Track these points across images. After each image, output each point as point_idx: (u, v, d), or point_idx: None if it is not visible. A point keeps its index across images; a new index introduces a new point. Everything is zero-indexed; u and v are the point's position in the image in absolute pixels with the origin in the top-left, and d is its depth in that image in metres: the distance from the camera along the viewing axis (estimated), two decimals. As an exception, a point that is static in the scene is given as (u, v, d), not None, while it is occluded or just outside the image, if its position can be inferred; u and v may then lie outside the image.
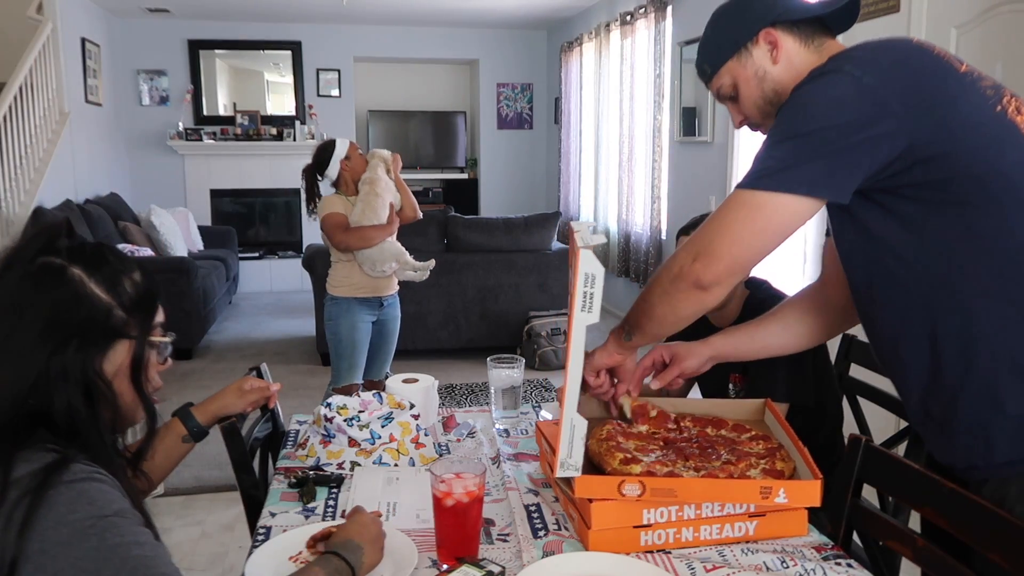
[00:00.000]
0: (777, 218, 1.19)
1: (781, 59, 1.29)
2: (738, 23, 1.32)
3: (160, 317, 1.09)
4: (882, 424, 2.12)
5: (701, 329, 1.74)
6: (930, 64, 1.16)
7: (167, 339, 1.11)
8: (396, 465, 1.62)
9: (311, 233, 7.34)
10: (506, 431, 1.82)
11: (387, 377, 3.36)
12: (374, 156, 3.31)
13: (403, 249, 3.28)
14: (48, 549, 0.83)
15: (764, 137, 1.40)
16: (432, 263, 3.41)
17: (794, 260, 3.94)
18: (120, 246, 5.58)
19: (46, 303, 0.96)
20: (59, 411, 0.94)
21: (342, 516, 1.19)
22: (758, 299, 1.89)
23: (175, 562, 0.91)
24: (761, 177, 1.19)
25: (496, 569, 1.16)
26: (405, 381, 1.88)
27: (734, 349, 1.56)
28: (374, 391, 1.79)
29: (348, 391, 3.26)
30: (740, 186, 1.22)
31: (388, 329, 3.36)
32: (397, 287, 3.41)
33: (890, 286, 1.23)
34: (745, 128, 1.42)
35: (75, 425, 0.95)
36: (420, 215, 3.44)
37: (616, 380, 1.51)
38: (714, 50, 1.34)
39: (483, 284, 5.18)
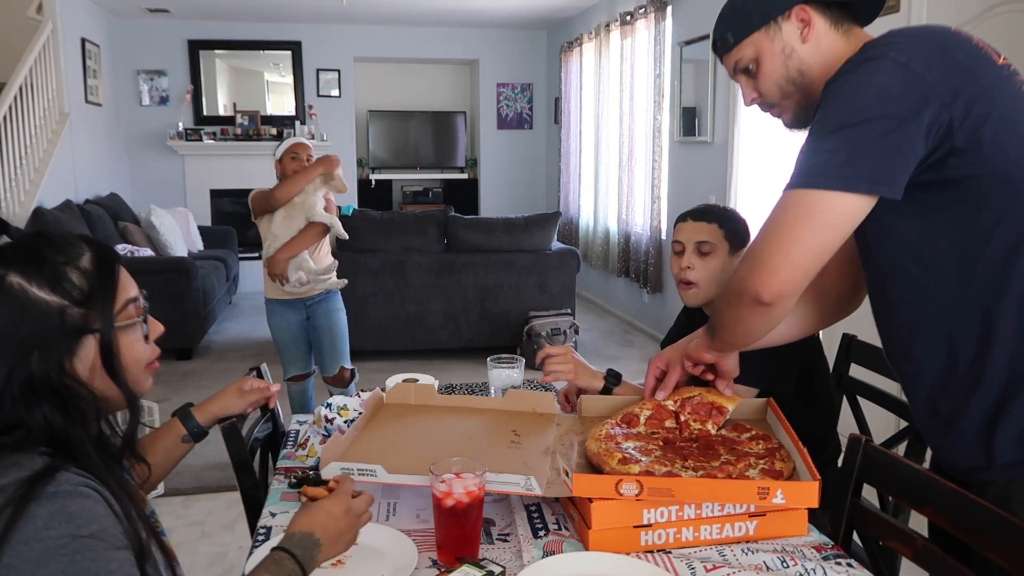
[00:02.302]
0: (838, 218, 1.12)
1: (811, 38, 1.24)
2: None
3: (128, 294, 1.01)
4: (882, 424, 2.12)
5: (698, 320, 1.74)
6: (971, 53, 1.13)
7: (138, 318, 1.02)
8: (396, 465, 1.61)
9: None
10: (506, 431, 1.82)
11: (351, 372, 3.40)
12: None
13: (306, 256, 3.24)
14: (17, 564, 0.80)
15: (769, 128, 1.39)
16: (336, 263, 3.36)
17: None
18: (120, 246, 5.58)
19: None
20: (36, 427, 0.90)
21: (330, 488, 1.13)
22: None
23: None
24: (816, 175, 1.11)
25: (496, 569, 1.16)
26: (405, 381, 1.88)
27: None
28: (364, 391, 1.79)
29: (299, 380, 3.32)
30: (792, 186, 1.14)
31: (321, 326, 3.36)
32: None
33: (907, 286, 1.22)
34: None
35: (56, 436, 0.90)
36: (341, 235, 3.37)
37: (715, 375, 1.51)
38: (742, 19, 1.28)
39: (483, 284, 5.18)
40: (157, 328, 1.07)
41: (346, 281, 3.42)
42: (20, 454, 0.87)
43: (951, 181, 1.12)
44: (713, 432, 1.46)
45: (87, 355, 0.96)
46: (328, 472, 1.32)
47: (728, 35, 1.30)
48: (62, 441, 0.91)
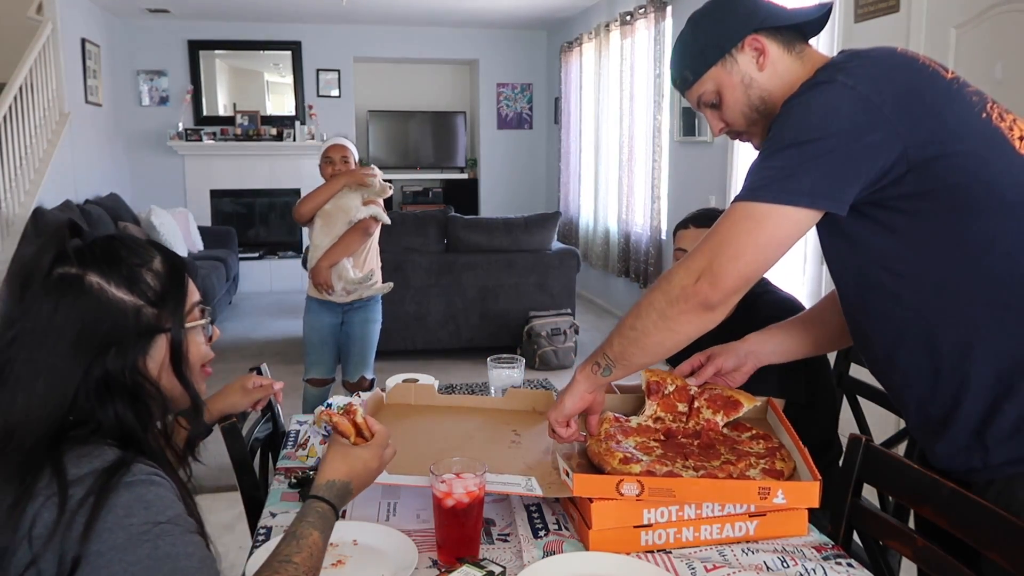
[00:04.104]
0: (780, 230, 1.17)
1: (767, 66, 1.27)
2: (721, 29, 1.29)
3: (194, 298, 1.05)
4: (882, 424, 2.12)
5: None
6: (918, 73, 1.16)
7: (205, 320, 1.07)
8: (396, 465, 1.61)
9: (311, 233, 7.35)
10: (506, 431, 1.82)
11: (371, 382, 3.37)
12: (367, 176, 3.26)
13: (346, 265, 3.22)
14: (104, 552, 0.83)
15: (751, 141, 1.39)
16: (373, 270, 3.34)
17: (794, 260, 3.93)
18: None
19: (70, 319, 0.93)
20: (107, 423, 0.93)
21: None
22: (753, 294, 1.88)
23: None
24: (760, 189, 1.17)
25: (496, 569, 1.17)
26: (405, 381, 1.88)
27: (773, 347, 1.53)
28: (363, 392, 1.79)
29: (318, 384, 3.28)
30: (738, 199, 1.19)
31: (354, 333, 3.35)
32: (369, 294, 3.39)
33: (883, 298, 1.23)
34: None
35: (126, 433, 0.94)
36: (384, 220, 3.37)
37: (585, 414, 1.44)
38: (696, 56, 1.31)
39: (483, 284, 5.18)
40: (215, 333, 1.12)
41: (391, 285, 3.38)
42: (90, 446, 0.90)
43: (913, 195, 1.14)
44: (721, 424, 1.45)
45: (158, 354, 0.99)
46: None
47: (686, 73, 1.33)
48: (130, 437, 0.94)
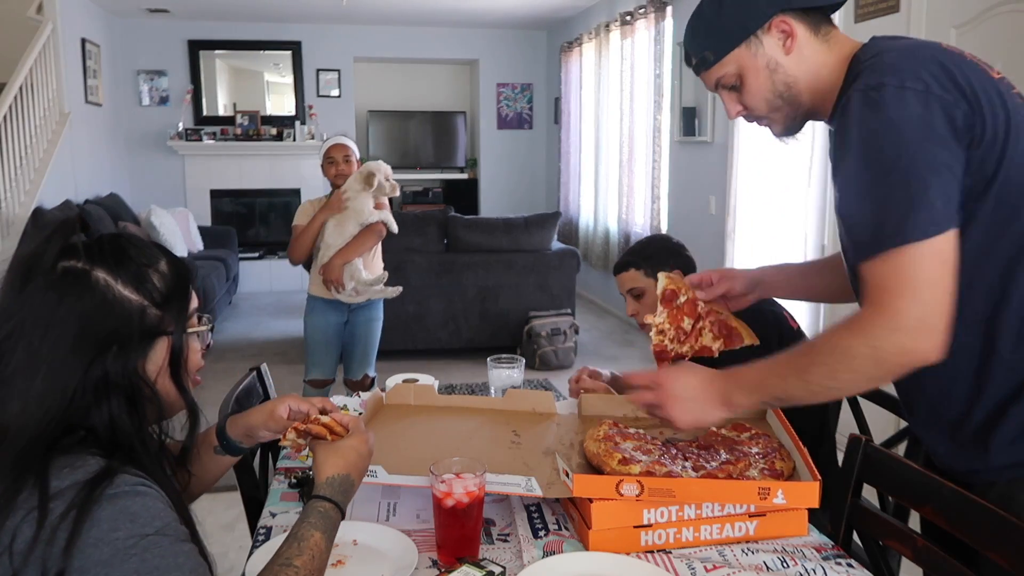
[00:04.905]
0: (953, 256, 1.07)
1: (794, 49, 1.20)
2: (747, 8, 1.20)
3: (195, 303, 1.04)
4: (882, 424, 2.12)
5: None
6: (970, 69, 1.11)
7: (205, 327, 1.07)
8: (396, 465, 1.61)
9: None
10: (506, 431, 1.81)
11: (372, 380, 3.37)
12: (363, 169, 3.23)
13: (358, 266, 3.21)
14: (88, 568, 0.81)
15: (765, 130, 1.33)
16: (386, 274, 3.33)
17: (794, 257, 3.93)
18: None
19: (74, 314, 0.91)
20: (101, 424, 0.91)
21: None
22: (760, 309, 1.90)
23: None
24: (912, 229, 1.05)
25: (496, 569, 1.17)
26: (405, 381, 1.88)
27: (785, 280, 1.53)
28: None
29: (318, 384, 3.28)
30: (893, 245, 1.06)
31: (358, 332, 3.35)
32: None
33: None
34: (745, 128, 1.39)
35: (118, 436, 0.92)
36: (393, 229, 3.33)
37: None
38: (719, 36, 1.22)
39: (483, 284, 5.18)
40: (210, 343, 1.12)
41: (400, 289, 3.36)
42: (72, 456, 0.88)
43: (965, 190, 1.10)
44: (716, 352, 1.46)
45: (157, 357, 0.98)
46: None
47: (707, 53, 1.25)
48: (121, 442, 0.92)
